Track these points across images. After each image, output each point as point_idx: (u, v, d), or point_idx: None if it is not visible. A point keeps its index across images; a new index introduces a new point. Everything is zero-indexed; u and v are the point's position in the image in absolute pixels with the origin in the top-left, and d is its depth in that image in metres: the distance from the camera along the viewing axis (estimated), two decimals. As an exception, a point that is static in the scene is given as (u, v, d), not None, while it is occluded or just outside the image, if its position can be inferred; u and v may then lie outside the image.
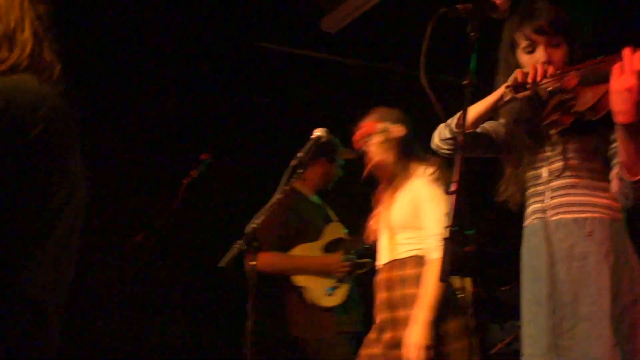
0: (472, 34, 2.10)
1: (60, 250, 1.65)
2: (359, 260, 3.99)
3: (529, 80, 2.28)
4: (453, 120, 2.52)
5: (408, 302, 3.03)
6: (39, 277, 1.58)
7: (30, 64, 1.69)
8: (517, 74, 2.32)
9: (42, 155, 1.59)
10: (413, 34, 4.53)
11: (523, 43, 2.44)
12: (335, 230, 4.07)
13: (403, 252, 3.13)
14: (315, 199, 4.14)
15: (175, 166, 4.28)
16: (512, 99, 2.36)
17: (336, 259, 3.97)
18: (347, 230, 4.09)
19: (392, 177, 3.25)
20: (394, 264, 3.15)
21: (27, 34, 1.70)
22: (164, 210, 3.74)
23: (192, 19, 4.69)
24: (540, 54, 2.40)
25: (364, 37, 4.92)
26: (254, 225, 2.69)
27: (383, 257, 3.24)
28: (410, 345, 2.93)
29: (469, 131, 2.45)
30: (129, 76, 4.66)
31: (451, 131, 2.51)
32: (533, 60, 2.41)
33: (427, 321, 2.92)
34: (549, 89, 2.28)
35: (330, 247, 4.03)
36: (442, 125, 2.57)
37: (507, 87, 2.34)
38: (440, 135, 2.58)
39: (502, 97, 2.38)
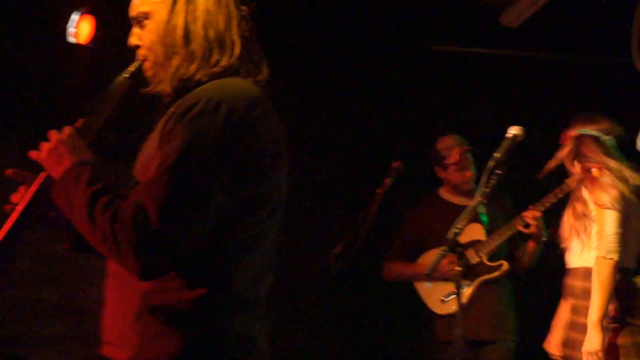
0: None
1: (265, 256, 1.72)
2: (488, 263, 3.81)
3: None
4: None
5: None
6: (247, 277, 1.67)
7: (240, 65, 1.74)
8: None
9: (253, 160, 1.63)
10: (599, 22, 4.30)
11: None
12: (472, 232, 3.82)
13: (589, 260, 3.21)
14: (462, 199, 3.97)
15: (368, 175, 4.32)
16: None
17: (444, 261, 3.70)
18: (487, 231, 3.82)
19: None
20: (580, 271, 3.25)
21: (235, 35, 1.76)
22: (360, 221, 3.76)
23: (371, 27, 4.73)
24: None
25: (548, 29, 4.73)
26: (456, 231, 2.65)
27: (574, 261, 3.29)
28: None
29: None
30: (316, 88, 4.76)
31: None
32: None
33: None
34: None
35: (461, 251, 3.85)
36: None
37: None
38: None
39: None
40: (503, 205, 3.95)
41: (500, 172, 2.79)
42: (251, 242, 1.67)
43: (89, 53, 3.88)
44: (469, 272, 3.77)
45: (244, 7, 1.81)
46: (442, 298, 3.83)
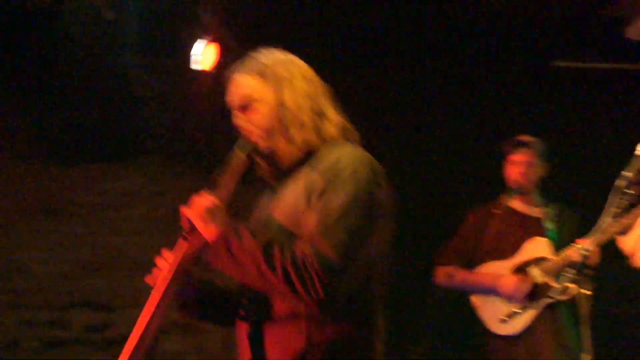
0: None
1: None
2: (552, 284, 3.52)
3: None
4: None
5: None
6: (381, 314, 2.02)
7: (341, 130, 2.05)
8: None
9: (378, 216, 1.95)
10: None
11: None
12: (537, 248, 3.67)
13: None
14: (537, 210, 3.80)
15: None
16: None
17: (510, 279, 3.60)
18: (557, 247, 3.63)
19: None
20: None
21: (329, 106, 2.06)
22: None
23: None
24: None
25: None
26: (585, 253, 2.57)
27: None
28: None
29: None
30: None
31: None
32: None
33: None
34: None
35: (524, 267, 3.66)
36: None
37: None
38: None
39: None
40: (571, 226, 3.74)
41: (632, 192, 2.68)
42: (380, 285, 2.00)
43: (212, 79, 4.03)
44: (534, 292, 3.59)
45: (325, 85, 2.10)
46: (502, 317, 3.62)
